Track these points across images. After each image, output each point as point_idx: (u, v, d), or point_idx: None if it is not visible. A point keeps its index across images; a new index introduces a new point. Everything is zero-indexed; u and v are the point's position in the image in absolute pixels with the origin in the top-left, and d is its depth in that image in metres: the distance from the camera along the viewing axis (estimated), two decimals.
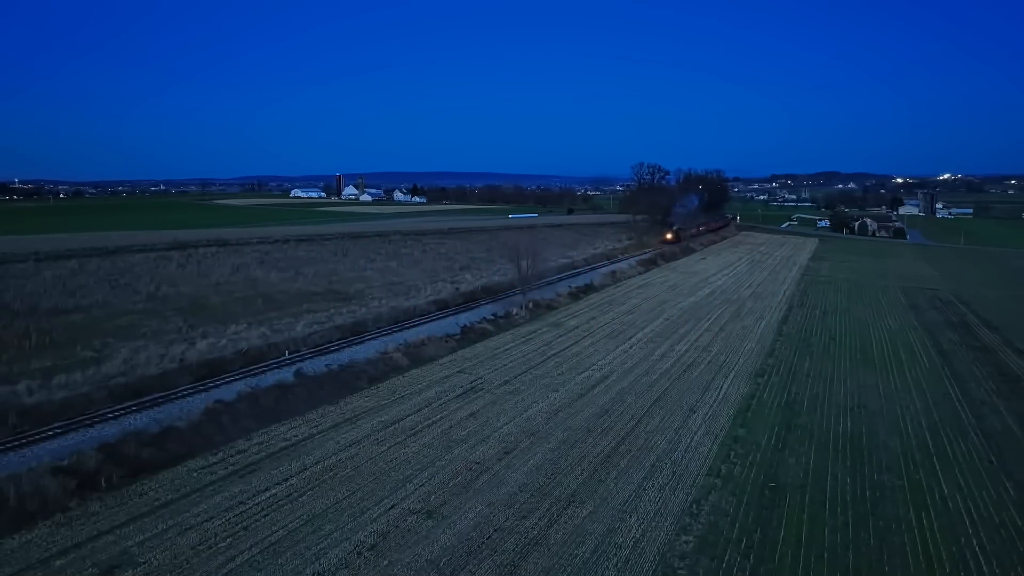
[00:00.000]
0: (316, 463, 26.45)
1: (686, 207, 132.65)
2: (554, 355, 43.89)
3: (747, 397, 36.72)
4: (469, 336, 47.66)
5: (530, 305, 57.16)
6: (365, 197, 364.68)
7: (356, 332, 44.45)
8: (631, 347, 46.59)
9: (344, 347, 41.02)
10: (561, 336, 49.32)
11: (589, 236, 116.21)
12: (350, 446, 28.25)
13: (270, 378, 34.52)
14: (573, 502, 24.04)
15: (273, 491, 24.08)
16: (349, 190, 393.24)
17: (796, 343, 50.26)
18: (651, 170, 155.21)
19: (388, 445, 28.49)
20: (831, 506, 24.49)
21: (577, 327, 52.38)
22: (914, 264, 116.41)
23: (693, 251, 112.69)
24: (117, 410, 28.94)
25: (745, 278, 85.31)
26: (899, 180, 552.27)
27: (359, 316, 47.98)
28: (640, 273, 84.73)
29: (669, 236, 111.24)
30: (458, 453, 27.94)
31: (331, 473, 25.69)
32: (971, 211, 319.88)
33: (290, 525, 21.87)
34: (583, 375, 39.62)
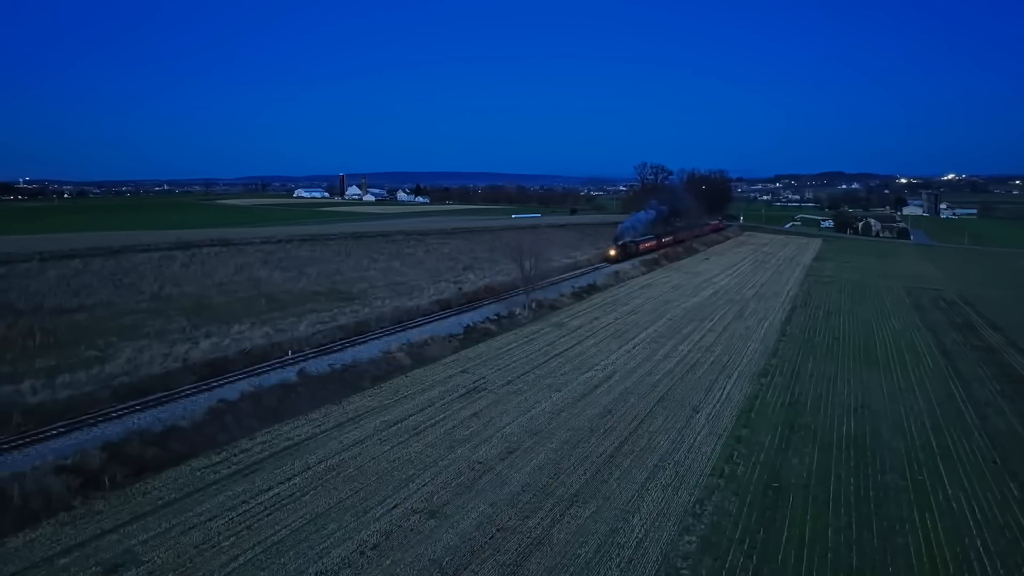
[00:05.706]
0: (319, 462, 26.50)
1: (639, 219, 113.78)
2: (557, 355, 43.87)
3: (750, 397, 36.66)
4: (472, 336, 47.68)
5: (533, 305, 57.16)
6: (368, 197, 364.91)
7: (359, 332, 44.53)
8: (634, 347, 46.54)
9: (347, 347, 41.09)
10: (564, 336, 49.30)
11: (592, 236, 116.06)
12: (353, 445, 28.29)
13: (273, 378, 34.61)
14: (576, 502, 24.03)
15: (276, 490, 24.13)
16: (352, 190, 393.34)
17: (800, 343, 50.16)
18: (654, 170, 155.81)
19: (391, 445, 28.52)
20: (834, 506, 24.45)
21: (580, 327, 52.35)
22: (918, 264, 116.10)
23: (697, 251, 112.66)
24: (121, 409, 29.05)
25: (748, 278, 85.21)
26: (903, 180, 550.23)
27: (362, 316, 48.07)
28: (643, 273, 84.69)
29: (613, 252, 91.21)
30: (461, 453, 27.95)
31: (334, 472, 25.73)
32: (975, 211, 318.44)
33: (293, 524, 21.91)
34: (586, 375, 39.60)
